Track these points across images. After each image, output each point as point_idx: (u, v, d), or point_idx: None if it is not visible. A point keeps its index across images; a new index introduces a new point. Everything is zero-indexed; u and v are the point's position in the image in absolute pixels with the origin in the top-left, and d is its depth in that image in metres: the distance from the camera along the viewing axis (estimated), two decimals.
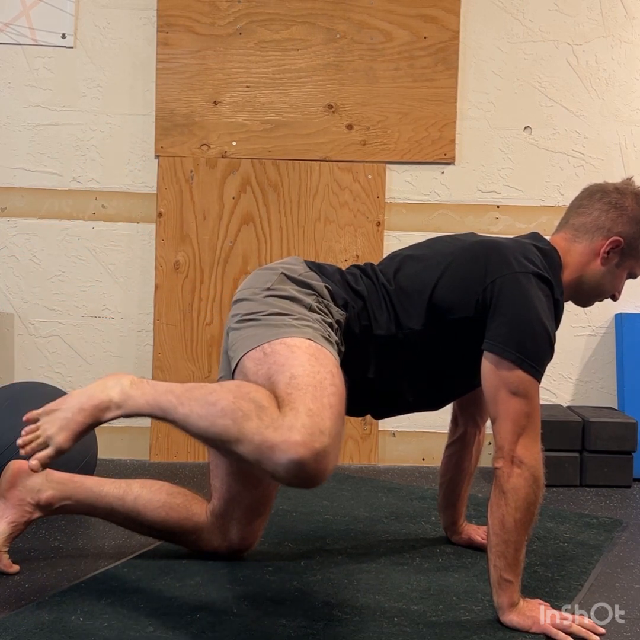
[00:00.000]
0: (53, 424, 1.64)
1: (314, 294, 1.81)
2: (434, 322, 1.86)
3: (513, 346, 1.75)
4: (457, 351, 1.88)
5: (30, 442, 1.64)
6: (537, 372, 1.76)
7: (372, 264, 1.99)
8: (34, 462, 1.63)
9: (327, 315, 1.79)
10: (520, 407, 1.73)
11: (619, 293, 2.01)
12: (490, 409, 1.78)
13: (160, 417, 1.61)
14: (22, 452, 1.65)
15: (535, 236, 1.98)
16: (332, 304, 1.82)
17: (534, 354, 1.75)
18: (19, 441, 1.65)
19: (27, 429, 1.66)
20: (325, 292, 1.83)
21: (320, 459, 1.46)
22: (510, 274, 1.79)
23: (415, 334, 1.87)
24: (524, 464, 1.71)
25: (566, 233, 1.97)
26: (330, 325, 1.77)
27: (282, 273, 1.83)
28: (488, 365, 1.77)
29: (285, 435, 1.45)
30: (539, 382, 1.77)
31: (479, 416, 2.19)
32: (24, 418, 1.68)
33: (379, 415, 2.10)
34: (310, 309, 1.76)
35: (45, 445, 1.63)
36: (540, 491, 1.74)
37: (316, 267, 1.91)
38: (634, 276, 2.00)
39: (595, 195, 1.98)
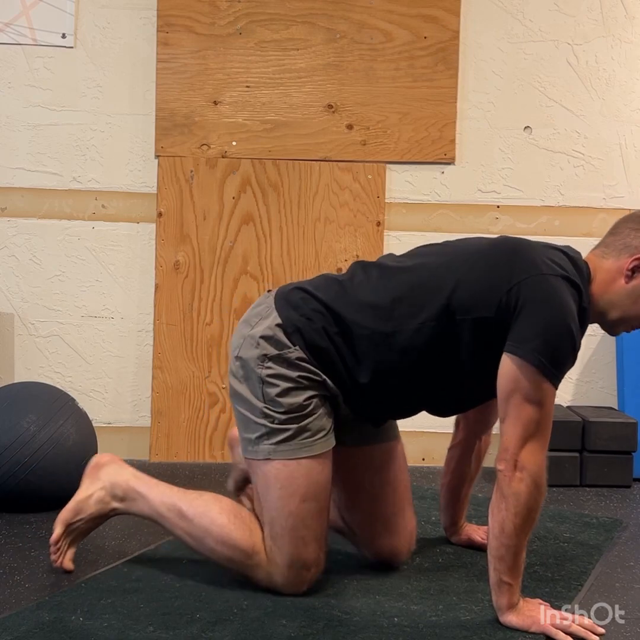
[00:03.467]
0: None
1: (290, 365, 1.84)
2: (445, 320, 1.80)
3: (536, 350, 1.70)
4: (469, 354, 1.82)
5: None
6: (555, 379, 1.72)
7: (380, 263, 1.96)
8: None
9: (311, 371, 1.85)
10: (532, 414, 1.70)
11: None
12: (501, 407, 1.74)
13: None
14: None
15: (566, 246, 1.91)
16: (312, 366, 1.85)
17: (555, 360, 1.71)
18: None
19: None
20: (292, 352, 1.84)
21: (308, 582, 1.87)
22: (539, 275, 1.75)
23: (412, 330, 1.82)
24: (526, 469, 1.68)
25: (597, 250, 1.91)
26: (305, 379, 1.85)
27: (264, 355, 1.85)
28: (506, 366, 1.73)
29: (277, 584, 1.86)
30: (556, 389, 1.73)
31: (483, 423, 2.14)
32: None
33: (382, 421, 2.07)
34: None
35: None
36: (542, 497, 1.72)
37: (289, 316, 1.87)
38: None
39: (632, 217, 1.92)
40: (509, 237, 1.95)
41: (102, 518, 2.02)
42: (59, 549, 2.00)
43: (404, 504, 2.05)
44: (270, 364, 1.84)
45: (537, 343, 1.70)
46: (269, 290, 2.00)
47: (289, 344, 1.85)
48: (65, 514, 2.00)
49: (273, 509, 1.85)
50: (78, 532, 2.02)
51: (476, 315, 1.78)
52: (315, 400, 1.85)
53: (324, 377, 1.86)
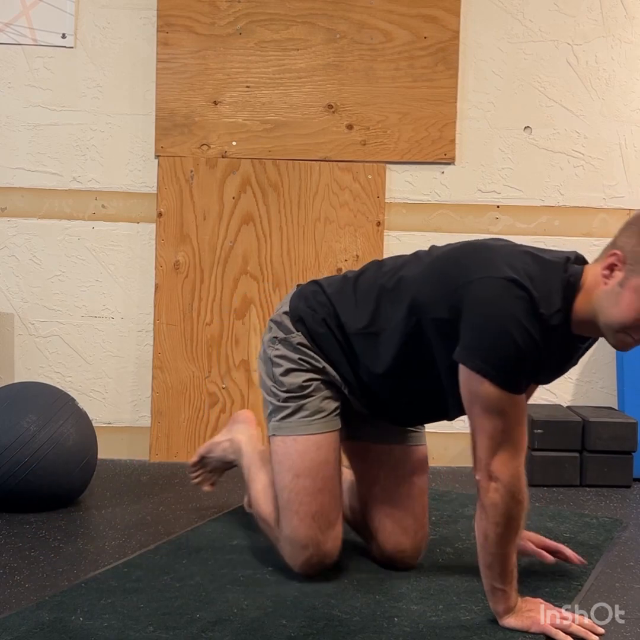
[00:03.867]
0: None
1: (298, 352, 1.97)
2: (412, 320, 1.82)
3: (478, 356, 1.66)
4: (440, 353, 1.79)
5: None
6: (507, 385, 1.65)
7: (379, 262, 2.00)
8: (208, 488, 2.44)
9: (311, 357, 1.97)
10: (494, 424, 1.66)
11: (636, 322, 1.62)
12: (468, 417, 1.73)
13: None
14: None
15: (552, 252, 1.78)
16: (313, 352, 1.96)
17: (498, 365, 1.64)
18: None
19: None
20: (303, 342, 1.97)
21: (311, 565, 1.94)
22: (483, 277, 1.69)
23: (391, 329, 1.85)
24: (499, 480, 1.66)
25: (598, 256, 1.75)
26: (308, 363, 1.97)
27: (274, 337, 2.01)
28: (461, 376, 1.71)
29: (286, 560, 1.98)
30: (517, 394, 1.66)
31: None
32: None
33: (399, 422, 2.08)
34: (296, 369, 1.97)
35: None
36: (521, 506, 1.68)
37: (297, 306, 2.00)
38: None
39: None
40: (479, 240, 1.90)
41: (226, 463, 2.37)
42: (196, 471, 2.42)
43: (416, 507, 2.05)
44: (279, 345, 1.99)
45: (476, 349, 1.66)
46: (298, 285, 2.12)
47: (294, 330, 1.98)
48: (202, 448, 2.41)
49: (275, 483, 1.99)
50: (212, 466, 2.40)
51: (433, 316, 1.78)
52: (315, 383, 1.95)
53: (324, 363, 1.95)
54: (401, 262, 1.94)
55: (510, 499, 1.66)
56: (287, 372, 1.96)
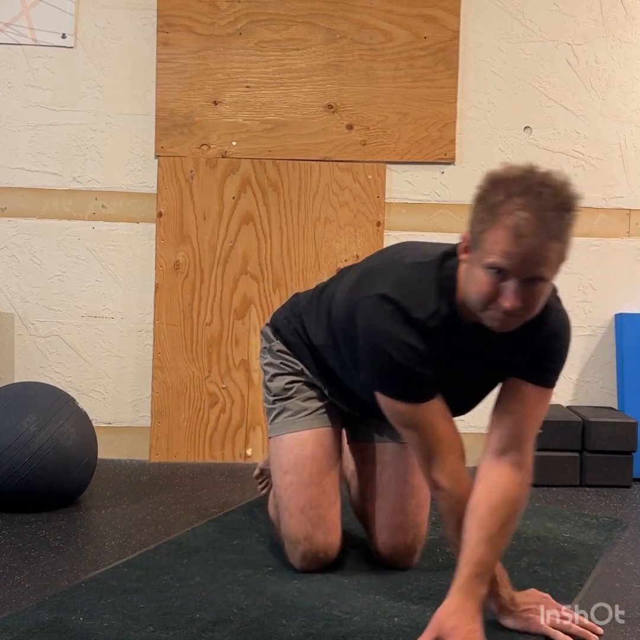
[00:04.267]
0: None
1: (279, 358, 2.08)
2: (348, 336, 1.83)
3: (370, 375, 1.72)
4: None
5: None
6: (406, 397, 1.66)
7: (337, 274, 2.05)
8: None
9: (290, 361, 2.07)
10: (415, 437, 1.70)
11: (489, 295, 1.53)
12: None
13: None
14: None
15: (446, 249, 1.71)
16: (291, 357, 2.06)
17: (389, 381, 1.67)
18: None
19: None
20: (282, 348, 2.08)
21: (307, 560, 1.96)
22: (361, 298, 1.72)
23: (341, 344, 1.88)
24: (442, 488, 1.69)
25: None
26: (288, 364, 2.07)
27: (263, 348, 2.14)
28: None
29: (287, 556, 2.01)
30: (421, 402, 1.66)
31: (496, 444, 1.73)
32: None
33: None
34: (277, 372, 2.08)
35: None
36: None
37: (277, 317, 2.12)
38: (494, 268, 1.50)
39: None
40: (378, 253, 1.92)
41: None
42: (260, 483, 2.38)
43: (409, 506, 2.05)
44: (266, 354, 2.12)
45: (367, 369, 1.73)
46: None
47: (273, 339, 2.10)
48: (261, 461, 2.39)
49: (277, 477, 2.04)
50: None
51: (350, 334, 1.79)
52: (297, 385, 2.04)
53: (302, 366, 2.05)
54: (346, 278, 1.92)
55: (456, 504, 1.68)
56: (273, 377, 2.08)
